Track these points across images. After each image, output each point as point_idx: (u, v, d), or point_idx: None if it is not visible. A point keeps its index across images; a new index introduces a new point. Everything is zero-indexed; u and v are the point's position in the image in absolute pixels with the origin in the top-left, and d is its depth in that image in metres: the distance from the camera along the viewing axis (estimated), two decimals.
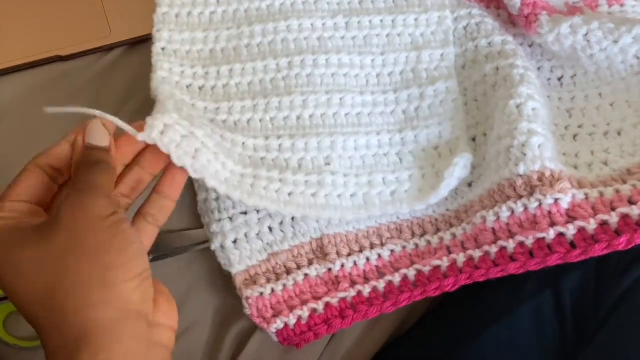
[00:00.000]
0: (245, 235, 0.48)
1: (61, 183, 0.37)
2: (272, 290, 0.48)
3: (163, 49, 0.50)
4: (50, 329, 0.31)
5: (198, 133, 0.40)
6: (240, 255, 0.48)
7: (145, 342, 0.32)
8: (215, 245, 0.48)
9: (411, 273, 0.46)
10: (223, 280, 0.50)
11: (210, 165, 0.40)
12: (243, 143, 0.46)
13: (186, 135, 0.39)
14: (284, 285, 0.48)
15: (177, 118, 0.39)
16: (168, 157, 0.38)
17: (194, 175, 0.39)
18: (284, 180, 0.45)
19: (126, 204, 0.39)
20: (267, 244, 0.48)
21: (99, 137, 0.36)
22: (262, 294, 0.47)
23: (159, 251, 0.49)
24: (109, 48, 0.53)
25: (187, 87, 0.49)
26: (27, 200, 0.35)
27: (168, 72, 0.49)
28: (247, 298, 0.47)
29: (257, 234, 0.48)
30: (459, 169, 0.46)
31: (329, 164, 0.47)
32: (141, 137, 0.37)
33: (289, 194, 0.45)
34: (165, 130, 0.37)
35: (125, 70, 0.53)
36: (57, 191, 0.37)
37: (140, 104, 0.52)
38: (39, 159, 0.36)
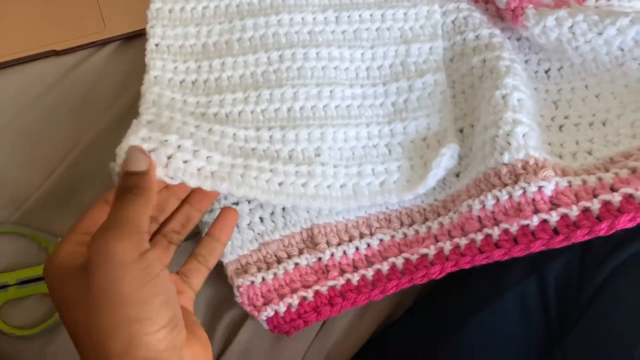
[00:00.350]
0: (237, 225, 0.49)
1: None
2: (263, 279, 0.48)
3: (157, 45, 0.51)
4: None
5: (172, 138, 0.41)
6: (232, 245, 0.49)
7: None
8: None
9: (399, 261, 0.47)
10: (215, 270, 0.50)
11: (188, 165, 0.41)
12: (234, 134, 0.47)
13: (154, 147, 0.40)
14: (275, 274, 0.48)
15: (145, 133, 0.41)
16: (214, 195, 0.42)
17: (170, 182, 0.40)
18: (275, 170, 0.46)
19: (177, 240, 0.41)
20: (258, 233, 0.49)
21: (137, 163, 0.37)
22: (253, 282, 0.48)
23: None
24: (103, 43, 0.54)
25: (180, 82, 0.50)
26: (88, 232, 0.36)
27: (161, 69, 0.50)
28: (238, 287, 0.48)
29: (249, 224, 0.49)
30: (445, 159, 0.47)
31: (318, 155, 0.48)
32: (112, 166, 0.39)
33: (280, 184, 0.46)
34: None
35: (119, 65, 0.54)
36: None
37: (133, 98, 0.52)
38: (107, 194, 0.38)
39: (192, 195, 0.41)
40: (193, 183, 0.41)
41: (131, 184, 0.35)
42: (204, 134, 0.45)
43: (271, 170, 0.46)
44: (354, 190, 0.48)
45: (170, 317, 0.33)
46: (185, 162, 0.41)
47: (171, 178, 0.40)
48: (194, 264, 0.41)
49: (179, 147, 0.41)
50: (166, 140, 0.41)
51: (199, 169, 0.42)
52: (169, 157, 0.40)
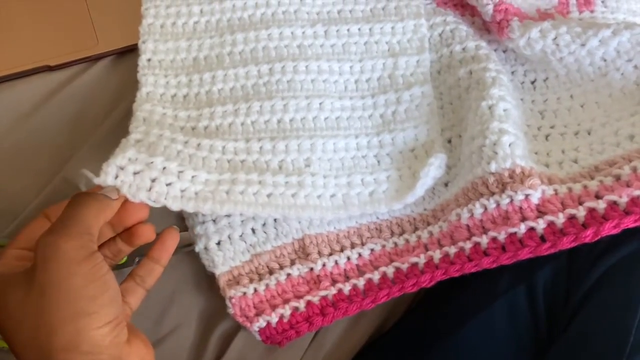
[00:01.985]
0: (229, 236, 0.49)
1: None
2: (255, 290, 0.49)
3: (149, 60, 0.52)
4: None
5: (157, 161, 0.42)
6: (224, 256, 0.49)
7: None
8: (199, 247, 0.49)
9: (390, 270, 0.48)
10: (207, 281, 0.51)
11: (171, 188, 0.43)
12: (223, 147, 0.48)
13: (140, 170, 0.42)
14: (267, 285, 0.49)
15: (132, 154, 0.42)
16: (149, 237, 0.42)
17: (153, 205, 0.42)
18: (263, 182, 0.47)
19: (110, 263, 0.41)
20: (250, 245, 0.50)
21: (109, 191, 0.39)
22: (245, 293, 0.48)
23: (145, 253, 0.50)
24: (96, 58, 0.55)
25: (172, 97, 0.51)
26: (25, 247, 0.37)
27: (153, 85, 0.51)
28: (231, 298, 0.48)
29: (240, 236, 0.50)
30: (433, 168, 0.48)
31: (308, 166, 0.49)
32: (97, 180, 0.40)
33: (268, 196, 0.46)
34: (118, 174, 0.41)
35: (112, 80, 0.55)
36: None
37: (126, 112, 0.53)
38: (48, 210, 0.39)
39: (126, 233, 0.41)
40: (175, 206, 0.42)
41: (81, 198, 0.36)
42: (192, 150, 0.46)
43: (259, 182, 0.46)
44: (343, 200, 0.49)
45: (115, 314, 0.34)
46: (168, 184, 0.43)
47: (154, 202, 0.42)
48: (131, 284, 0.41)
49: (163, 169, 0.43)
50: (151, 163, 0.42)
51: (182, 191, 0.43)
52: (153, 180, 0.42)
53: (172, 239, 0.42)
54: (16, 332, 0.33)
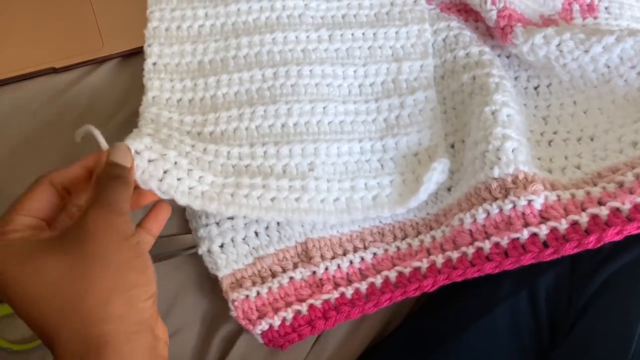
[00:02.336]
0: (232, 239, 0.50)
1: (66, 203, 0.39)
2: (258, 293, 0.49)
3: (154, 64, 0.52)
4: (67, 338, 0.32)
5: (170, 154, 0.43)
6: (227, 259, 0.49)
7: (154, 355, 0.34)
8: (202, 250, 0.49)
9: (392, 274, 0.48)
10: (210, 284, 0.51)
11: (181, 183, 0.43)
12: (228, 152, 0.48)
13: (155, 159, 0.42)
14: (269, 288, 0.49)
15: (148, 142, 0.42)
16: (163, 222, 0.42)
17: (161, 196, 0.42)
18: (267, 186, 0.47)
19: None
20: (253, 248, 0.50)
21: (123, 157, 0.39)
22: (247, 296, 0.49)
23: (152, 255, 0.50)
24: (101, 60, 0.55)
25: (177, 101, 0.52)
26: (35, 215, 0.36)
27: (159, 89, 0.51)
28: (233, 300, 0.48)
29: (244, 239, 0.50)
30: (437, 173, 0.48)
31: (312, 170, 0.49)
32: (91, 129, 0.40)
33: (272, 199, 0.47)
34: (134, 157, 0.41)
35: (117, 82, 0.55)
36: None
37: (130, 114, 0.53)
38: (53, 177, 0.38)
39: (146, 220, 0.42)
40: (183, 201, 0.43)
41: (116, 173, 0.37)
42: (199, 153, 0.46)
43: (264, 186, 0.47)
44: (347, 204, 0.49)
45: (155, 289, 0.35)
46: (179, 179, 0.43)
47: (163, 192, 0.42)
48: None
49: (175, 163, 0.43)
50: (165, 155, 0.42)
51: (190, 188, 0.44)
52: (165, 172, 0.42)
53: (165, 211, 0.42)
54: (53, 300, 0.33)
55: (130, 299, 0.33)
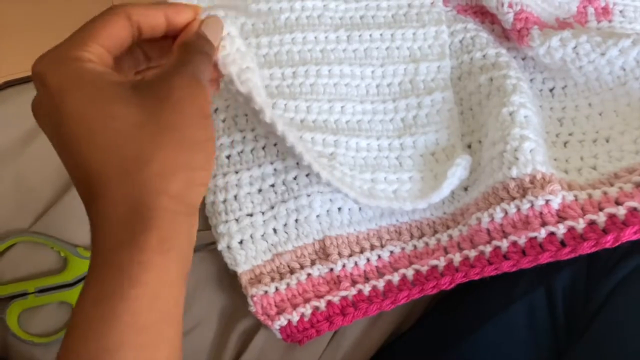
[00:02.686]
0: (251, 236, 0.50)
1: (133, 46, 0.34)
2: (276, 289, 0.49)
3: None
4: (119, 201, 0.29)
5: (254, 59, 0.39)
6: (246, 255, 0.50)
7: (192, 244, 0.32)
8: (222, 246, 0.50)
9: (409, 273, 0.48)
10: (229, 280, 0.52)
11: (257, 88, 0.38)
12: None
13: (243, 51, 0.38)
14: (288, 284, 0.50)
15: (236, 31, 0.38)
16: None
17: (237, 85, 0.37)
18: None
19: None
20: (272, 244, 0.50)
21: (214, 33, 0.35)
22: (266, 292, 0.49)
23: None
24: None
25: None
26: (109, 49, 0.32)
27: None
28: (252, 296, 0.49)
29: (262, 235, 0.51)
30: (461, 168, 0.49)
31: (334, 159, 0.50)
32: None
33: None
34: (224, 38, 0.37)
35: None
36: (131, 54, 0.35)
37: None
38: (132, 11, 0.32)
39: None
40: (258, 97, 0.38)
41: (205, 48, 0.34)
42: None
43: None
44: (370, 192, 0.49)
45: (210, 178, 0.33)
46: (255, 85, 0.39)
47: (241, 82, 0.37)
48: None
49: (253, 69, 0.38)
50: (250, 55, 0.39)
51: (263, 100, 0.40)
52: (247, 67, 0.37)
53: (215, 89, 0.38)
54: (115, 152, 0.29)
55: (191, 180, 0.30)
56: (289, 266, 0.50)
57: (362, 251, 0.51)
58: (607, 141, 0.50)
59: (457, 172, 0.48)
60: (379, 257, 0.50)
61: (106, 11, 0.32)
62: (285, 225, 0.51)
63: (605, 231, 0.42)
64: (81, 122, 0.29)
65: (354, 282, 0.49)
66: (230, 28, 0.37)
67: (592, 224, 0.42)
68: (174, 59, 0.33)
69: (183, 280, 0.31)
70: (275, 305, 0.49)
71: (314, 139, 0.50)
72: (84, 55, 0.31)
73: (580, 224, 0.42)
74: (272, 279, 0.50)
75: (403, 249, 0.50)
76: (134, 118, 0.29)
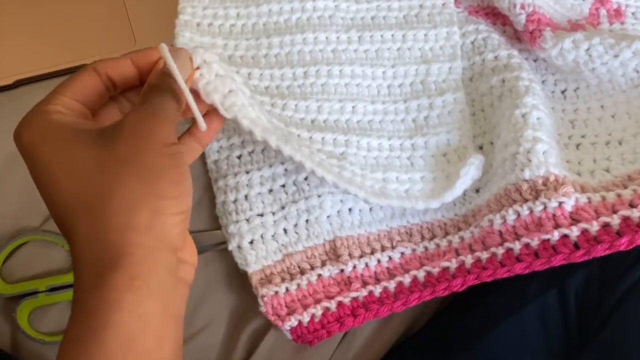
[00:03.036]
0: (261, 236, 0.50)
1: (111, 96, 0.36)
2: (287, 289, 0.49)
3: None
4: (87, 241, 0.30)
5: (237, 78, 0.39)
6: (256, 255, 0.50)
7: (173, 277, 0.31)
8: (232, 246, 0.50)
9: (421, 274, 0.48)
10: (239, 280, 0.52)
11: (244, 109, 0.39)
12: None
13: (223, 75, 0.38)
14: (298, 285, 0.49)
15: (213, 57, 0.38)
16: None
17: (222, 113, 0.38)
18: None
19: None
20: (282, 245, 0.50)
21: (182, 69, 0.35)
22: (277, 292, 0.49)
23: None
24: None
25: None
26: (80, 100, 0.33)
27: None
28: (263, 296, 0.49)
29: (273, 235, 0.50)
30: (474, 168, 0.48)
31: (345, 159, 0.49)
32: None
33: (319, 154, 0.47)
34: (202, 66, 0.37)
35: None
36: (106, 102, 0.36)
37: None
38: (98, 65, 0.35)
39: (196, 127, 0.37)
40: (245, 123, 0.38)
41: (167, 85, 0.34)
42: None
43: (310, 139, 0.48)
44: (381, 191, 0.49)
45: (189, 205, 0.33)
46: (242, 105, 0.39)
47: (226, 109, 0.38)
48: None
49: (240, 90, 0.39)
50: (232, 77, 0.39)
51: (252, 118, 0.40)
52: (230, 91, 0.38)
53: (217, 121, 0.39)
54: (79, 193, 0.30)
55: (157, 210, 0.30)
56: (299, 267, 0.50)
57: (372, 252, 0.50)
58: (620, 143, 0.50)
59: (471, 171, 0.48)
60: (390, 258, 0.50)
61: (77, 71, 0.35)
62: (295, 225, 0.51)
63: (619, 234, 0.41)
64: (49, 171, 0.31)
65: (364, 283, 0.49)
66: (206, 55, 0.37)
67: (606, 226, 0.42)
68: (138, 99, 0.34)
69: (169, 315, 0.30)
70: (286, 306, 0.49)
71: (324, 139, 0.49)
72: (51, 108, 0.32)
73: (594, 227, 0.42)
74: (283, 279, 0.50)
75: (414, 250, 0.50)
76: (93, 159, 0.31)
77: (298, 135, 0.49)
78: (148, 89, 0.34)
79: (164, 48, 0.34)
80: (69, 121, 0.32)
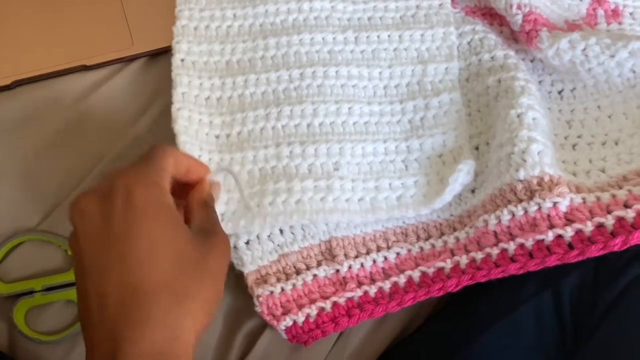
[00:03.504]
0: (257, 236, 0.50)
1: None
2: (282, 289, 0.49)
3: (182, 60, 0.53)
4: (153, 323, 0.32)
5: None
6: (252, 255, 0.50)
7: None
8: None
9: (416, 274, 0.48)
10: (234, 280, 0.52)
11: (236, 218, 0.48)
12: (254, 156, 0.50)
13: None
14: (294, 285, 0.50)
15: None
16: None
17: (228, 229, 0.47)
18: (291, 189, 0.48)
19: None
20: (278, 245, 0.50)
21: (216, 196, 0.44)
22: (272, 292, 0.49)
23: None
24: (131, 59, 0.56)
25: (206, 99, 0.52)
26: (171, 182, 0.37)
27: (187, 86, 0.52)
28: (258, 296, 0.49)
29: (269, 236, 0.51)
30: (462, 174, 0.48)
31: (337, 170, 0.50)
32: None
33: (296, 202, 0.48)
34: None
35: (146, 80, 0.56)
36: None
37: (160, 112, 0.54)
38: (176, 152, 0.39)
39: None
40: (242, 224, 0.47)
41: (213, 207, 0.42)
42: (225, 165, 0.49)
43: (288, 190, 0.48)
44: (371, 204, 0.49)
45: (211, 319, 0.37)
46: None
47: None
48: None
49: None
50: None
51: (221, 214, 0.47)
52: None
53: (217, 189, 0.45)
54: (171, 281, 0.33)
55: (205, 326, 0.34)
56: (294, 267, 0.50)
57: (368, 252, 0.51)
58: (616, 144, 0.50)
59: (459, 178, 0.48)
60: (385, 258, 0.50)
61: (159, 147, 0.38)
62: (291, 225, 0.51)
63: (613, 234, 0.41)
64: (151, 245, 0.33)
65: (359, 284, 0.49)
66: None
67: (600, 226, 0.42)
68: (207, 216, 0.39)
69: None
70: (281, 306, 0.49)
71: (317, 151, 0.50)
72: (164, 184, 0.36)
73: (588, 227, 0.42)
74: (278, 280, 0.50)
75: (409, 250, 0.50)
76: (192, 258, 0.34)
77: (290, 152, 0.50)
78: (208, 209, 0.40)
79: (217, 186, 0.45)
80: (172, 204, 0.35)
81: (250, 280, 0.50)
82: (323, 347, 0.51)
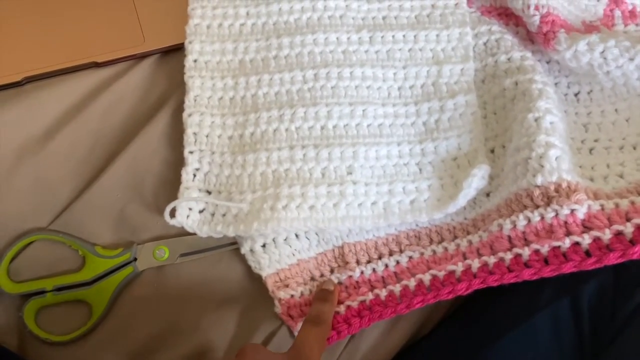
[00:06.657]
0: (274, 240, 0.50)
1: None
2: (302, 294, 0.50)
3: (195, 61, 0.53)
4: None
5: (212, 199, 0.49)
6: (270, 259, 0.50)
7: None
8: (244, 249, 0.50)
9: (426, 278, 0.48)
10: (250, 280, 0.52)
11: (225, 219, 0.49)
12: (267, 157, 0.50)
13: (203, 208, 0.49)
14: (310, 291, 0.50)
15: (194, 196, 0.49)
16: None
17: (216, 236, 0.49)
18: (305, 195, 0.48)
19: None
20: (296, 249, 0.50)
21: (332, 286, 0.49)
22: (292, 295, 0.50)
23: (192, 249, 0.51)
24: (142, 56, 0.55)
25: (219, 100, 0.52)
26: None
27: (200, 88, 0.52)
28: (280, 299, 0.49)
29: (285, 240, 0.50)
30: (477, 179, 0.48)
31: (350, 174, 0.49)
32: (172, 222, 0.48)
33: (310, 208, 0.47)
34: (189, 214, 0.49)
35: (157, 78, 0.55)
36: None
37: (171, 110, 0.54)
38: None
39: None
40: (231, 231, 0.48)
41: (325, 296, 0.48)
42: (239, 170, 0.50)
43: (302, 195, 0.48)
44: (384, 208, 0.49)
45: None
46: (223, 215, 0.49)
47: (217, 233, 0.48)
48: None
49: (216, 206, 0.49)
50: (207, 201, 0.49)
51: (235, 216, 0.48)
52: (212, 214, 0.49)
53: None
54: None
55: None
56: (310, 272, 0.50)
57: (380, 257, 0.50)
58: (635, 148, 0.49)
59: (474, 182, 0.47)
60: (398, 262, 0.50)
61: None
62: (306, 231, 0.51)
63: (632, 242, 0.41)
64: None
65: (372, 287, 0.49)
66: (184, 210, 0.49)
67: (618, 234, 0.41)
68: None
69: None
70: (300, 309, 0.49)
71: (331, 154, 0.49)
72: None
73: (607, 235, 0.42)
74: (298, 284, 0.50)
75: (422, 254, 0.50)
76: None
77: (304, 156, 0.50)
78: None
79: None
80: None
81: (269, 284, 0.50)
82: (335, 349, 0.50)
